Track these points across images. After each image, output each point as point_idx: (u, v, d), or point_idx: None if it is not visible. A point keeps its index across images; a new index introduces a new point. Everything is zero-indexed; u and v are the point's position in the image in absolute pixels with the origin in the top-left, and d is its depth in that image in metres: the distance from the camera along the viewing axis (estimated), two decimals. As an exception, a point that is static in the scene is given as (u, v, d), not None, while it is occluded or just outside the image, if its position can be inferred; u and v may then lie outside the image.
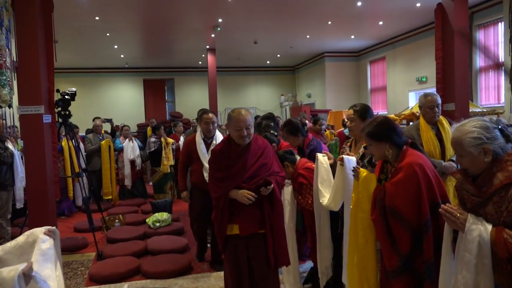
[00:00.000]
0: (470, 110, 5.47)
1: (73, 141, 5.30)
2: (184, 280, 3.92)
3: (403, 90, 10.97)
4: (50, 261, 1.42)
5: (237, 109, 2.75)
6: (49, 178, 4.43)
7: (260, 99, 15.54)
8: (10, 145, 4.95)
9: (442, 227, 1.88)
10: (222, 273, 3.86)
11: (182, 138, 7.82)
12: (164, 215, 5.59)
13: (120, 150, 7.84)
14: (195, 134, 4.17)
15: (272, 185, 2.66)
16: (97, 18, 8.16)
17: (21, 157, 5.32)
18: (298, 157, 3.37)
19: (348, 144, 3.16)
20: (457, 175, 1.84)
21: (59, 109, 4.84)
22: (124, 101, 14.57)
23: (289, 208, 3.32)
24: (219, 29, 9.18)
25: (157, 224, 5.44)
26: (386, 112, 11.25)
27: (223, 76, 14.36)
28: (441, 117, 3.52)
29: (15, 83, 4.32)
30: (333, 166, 3.06)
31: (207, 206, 3.62)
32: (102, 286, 3.80)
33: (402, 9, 8.35)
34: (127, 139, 7.84)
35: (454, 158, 3.33)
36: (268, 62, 14.78)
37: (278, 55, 13.51)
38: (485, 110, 6.21)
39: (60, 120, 4.93)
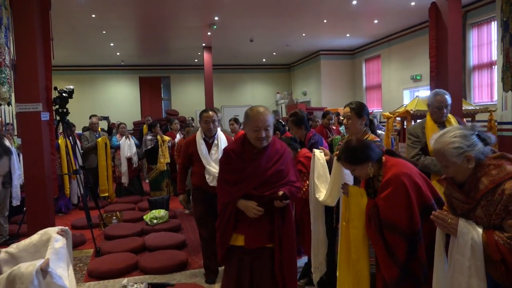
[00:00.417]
0: (463, 108, 5.55)
1: (70, 138, 5.32)
2: (181, 275, 3.97)
3: (397, 88, 11.05)
4: (62, 260, 1.45)
5: (255, 107, 2.46)
6: (47, 176, 4.46)
7: (256, 97, 15.58)
8: (7, 143, 4.97)
9: (435, 227, 1.93)
10: (220, 269, 3.93)
11: (178, 136, 7.86)
12: (161, 212, 5.64)
13: (116, 148, 7.87)
14: (195, 134, 3.90)
15: (288, 200, 2.42)
16: (93, 15, 8.16)
17: (18, 154, 5.35)
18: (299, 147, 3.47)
19: (344, 141, 3.22)
20: (445, 184, 1.90)
21: (57, 106, 4.87)
22: (120, 99, 14.56)
23: None
24: (215, 27, 9.20)
25: (155, 221, 5.48)
26: (381, 110, 11.34)
27: (219, 74, 14.39)
28: (449, 115, 3.40)
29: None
30: (330, 162, 3.12)
31: (213, 206, 3.51)
32: (101, 281, 3.84)
33: (397, 8, 8.43)
34: (123, 137, 7.87)
35: None
36: (264, 60, 14.82)
37: (274, 53, 13.55)
38: (478, 108, 6.29)
39: (58, 117, 4.96)
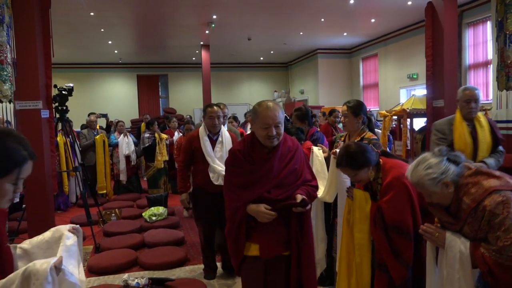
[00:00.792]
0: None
1: (70, 136, 5.35)
2: (181, 271, 4.03)
3: (394, 86, 11.13)
4: (73, 258, 1.49)
5: (264, 102, 2.22)
6: (47, 173, 4.49)
7: (254, 95, 15.62)
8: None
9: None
10: (218, 264, 3.98)
11: (176, 134, 7.90)
12: (160, 209, 5.68)
13: (115, 146, 7.90)
14: (197, 130, 3.72)
15: (309, 206, 2.20)
16: (92, 13, 8.17)
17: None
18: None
19: (342, 138, 3.28)
20: (433, 209, 1.96)
21: (56, 104, 4.90)
22: (117, 97, 14.57)
23: None
24: (213, 25, 9.23)
25: (153, 218, 5.53)
26: (378, 108, 11.41)
27: (217, 72, 14.41)
28: (480, 114, 3.28)
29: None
30: (328, 159, 3.18)
31: (214, 207, 3.56)
32: (101, 277, 3.89)
33: (394, 7, 8.48)
34: (122, 135, 7.90)
35: (486, 160, 3.16)
36: (261, 58, 14.85)
37: (272, 52, 13.59)
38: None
39: (57, 115, 4.99)
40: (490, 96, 7.55)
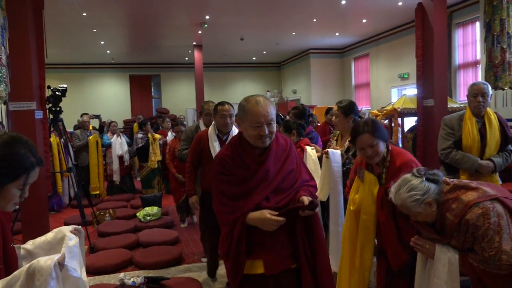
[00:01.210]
0: (448, 106, 5.71)
1: (63, 137, 5.36)
2: (176, 270, 4.06)
3: (385, 86, 11.24)
4: (75, 259, 1.51)
5: (253, 97, 1.98)
6: (41, 173, 4.49)
7: (246, 95, 15.13)
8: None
9: None
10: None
11: (169, 134, 7.92)
12: (154, 209, 5.71)
13: (108, 146, 7.90)
14: (207, 129, 3.47)
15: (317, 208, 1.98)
16: (84, 14, 8.16)
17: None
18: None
19: (335, 138, 3.35)
20: (419, 227, 2.01)
21: (50, 105, 4.91)
22: (110, 97, 14.52)
23: None
24: (206, 25, 9.26)
25: (148, 218, 5.56)
26: (370, 108, 11.52)
27: (210, 72, 14.44)
28: (490, 111, 3.20)
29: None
30: (321, 159, 3.25)
31: None
32: (96, 277, 3.91)
33: (385, 8, 8.59)
34: (115, 135, 7.90)
35: (494, 159, 3.11)
36: (254, 58, 14.90)
37: (264, 52, 13.64)
38: (463, 106, 6.47)
39: (51, 116, 4.99)
40: (479, 96, 7.66)
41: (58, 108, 4.98)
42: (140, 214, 5.67)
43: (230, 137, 3.25)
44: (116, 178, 7.76)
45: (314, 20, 9.47)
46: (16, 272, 1.32)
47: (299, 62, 14.45)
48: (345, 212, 2.72)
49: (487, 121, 3.14)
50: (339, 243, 2.80)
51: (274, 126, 1.95)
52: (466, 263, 1.82)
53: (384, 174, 2.33)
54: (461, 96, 8.51)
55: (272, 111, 1.94)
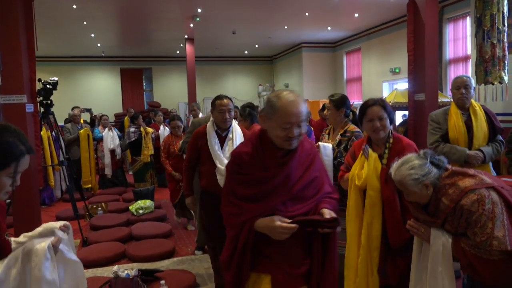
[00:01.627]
0: (439, 100, 5.77)
1: (54, 130, 5.32)
2: (169, 262, 4.08)
3: (377, 80, 11.31)
4: (69, 247, 1.56)
5: (284, 94, 1.73)
6: (33, 167, 4.47)
7: (238, 88, 15.64)
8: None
9: None
10: (206, 256, 4.05)
11: (162, 128, 7.90)
12: (147, 202, 5.71)
13: (99, 140, 7.86)
14: (205, 125, 3.22)
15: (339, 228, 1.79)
16: (74, 6, 8.06)
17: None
18: None
19: (327, 131, 3.38)
20: (412, 207, 2.05)
21: (41, 98, 4.87)
22: (101, 91, 14.40)
23: None
24: (198, 19, 9.21)
25: (140, 211, 5.56)
26: (361, 102, 11.58)
27: (202, 66, 14.38)
28: (475, 103, 3.26)
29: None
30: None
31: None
32: (90, 270, 3.92)
33: (377, 2, 8.61)
34: (106, 129, 7.86)
35: (483, 148, 3.15)
36: (246, 52, 14.87)
37: (256, 45, 13.61)
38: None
39: (42, 109, 4.95)
40: (469, 90, 7.74)
41: (49, 101, 4.94)
42: (132, 207, 5.67)
43: (230, 133, 3.15)
44: (108, 172, 7.74)
45: (307, 14, 9.47)
46: (11, 255, 1.36)
47: (291, 56, 14.46)
48: None
49: (472, 113, 3.20)
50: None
51: (305, 127, 1.76)
52: (458, 247, 1.87)
53: (386, 154, 2.37)
54: (450, 91, 8.59)
55: (305, 111, 1.73)
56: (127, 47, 12.86)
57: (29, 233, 1.62)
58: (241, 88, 15.72)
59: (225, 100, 3.10)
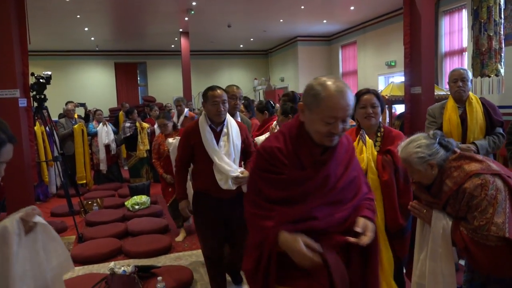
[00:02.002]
0: (435, 93, 5.76)
1: (48, 125, 5.26)
2: (166, 258, 4.06)
3: (373, 74, 11.29)
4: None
5: (331, 82, 1.48)
6: (27, 163, 4.43)
7: (234, 82, 15.34)
8: None
9: None
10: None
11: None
12: (143, 198, 5.67)
13: (93, 135, 7.79)
14: (196, 120, 2.92)
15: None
16: (67, -1, 7.97)
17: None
18: None
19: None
20: (415, 187, 2.07)
21: (34, 93, 4.80)
22: (95, 85, 14.29)
23: None
24: (192, 12, 9.13)
25: (136, 207, 5.52)
26: (357, 96, 11.58)
27: (197, 60, 14.29)
28: (473, 96, 3.20)
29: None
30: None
31: (221, 217, 2.83)
32: (85, 266, 3.89)
33: (372, -5, 8.58)
34: (100, 124, 7.79)
35: (477, 142, 3.11)
36: (241, 46, 14.79)
37: (252, 39, 13.55)
38: (449, 93, 6.54)
39: (36, 104, 4.89)
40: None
41: (42, 96, 4.87)
42: (128, 203, 5.63)
43: (225, 128, 2.84)
44: (103, 167, 7.67)
45: (302, 7, 9.41)
46: None
47: (286, 50, 14.40)
48: None
49: (468, 106, 3.17)
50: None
51: (348, 123, 1.52)
52: (456, 230, 1.87)
53: (378, 142, 2.42)
54: (447, 84, 8.60)
55: (352, 103, 1.49)
56: (121, 41, 12.74)
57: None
58: (236, 82, 15.51)
59: (218, 91, 2.79)
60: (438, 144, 1.93)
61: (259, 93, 15.25)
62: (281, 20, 10.78)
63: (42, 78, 4.81)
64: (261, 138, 3.55)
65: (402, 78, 6.03)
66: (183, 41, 11.36)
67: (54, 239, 1.61)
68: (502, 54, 4.93)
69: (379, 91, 7.32)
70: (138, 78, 15.20)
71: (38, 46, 12.22)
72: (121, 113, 9.79)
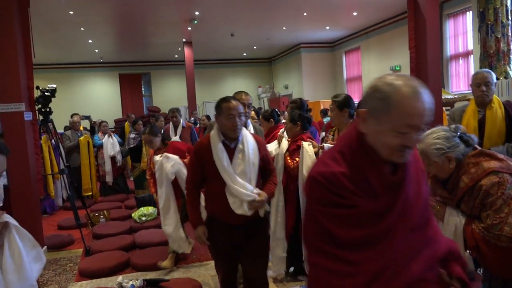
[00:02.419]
0: (442, 97, 5.70)
1: (54, 138, 5.25)
2: (174, 270, 4.00)
3: (377, 79, 11.24)
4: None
5: (399, 80, 1.18)
6: (33, 176, 4.41)
7: (238, 91, 15.58)
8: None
9: None
10: (212, 263, 3.95)
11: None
12: (149, 209, 5.62)
13: (99, 147, 7.78)
14: (208, 136, 2.55)
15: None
16: (71, 12, 8.01)
17: None
18: None
19: (332, 133, 3.31)
20: (430, 181, 2.01)
21: (39, 106, 4.80)
22: (100, 97, 14.36)
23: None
24: (195, 22, 9.16)
25: (143, 218, 5.47)
26: (362, 101, 11.52)
27: (200, 69, 14.33)
28: (495, 98, 3.05)
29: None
30: (318, 155, 3.20)
31: (235, 244, 2.54)
32: (93, 280, 3.83)
33: (375, 0, 8.55)
34: (106, 135, 7.78)
35: (494, 149, 2.78)
36: (245, 54, 14.82)
37: (255, 47, 13.57)
38: (456, 97, 6.48)
39: (41, 117, 4.88)
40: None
41: (48, 109, 4.87)
42: (135, 214, 5.58)
43: (240, 144, 2.47)
44: (109, 179, 7.65)
45: (305, 14, 9.41)
46: None
47: (290, 57, 14.40)
48: None
49: (488, 110, 3.04)
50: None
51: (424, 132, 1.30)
52: (468, 228, 1.82)
53: None
54: (454, 87, 8.53)
55: (431, 106, 1.18)
56: (125, 52, 12.81)
57: None
58: (240, 90, 15.64)
59: (233, 102, 2.41)
60: (459, 138, 1.88)
61: (263, 101, 15.24)
62: (284, 28, 10.78)
63: (47, 91, 4.81)
64: (268, 147, 3.51)
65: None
66: (187, 51, 11.40)
67: (24, 236, 1.75)
68: (511, 56, 4.87)
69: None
70: (143, 89, 15.26)
71: (42, 59, 12.31)
72: (127, 123, 9.79)
